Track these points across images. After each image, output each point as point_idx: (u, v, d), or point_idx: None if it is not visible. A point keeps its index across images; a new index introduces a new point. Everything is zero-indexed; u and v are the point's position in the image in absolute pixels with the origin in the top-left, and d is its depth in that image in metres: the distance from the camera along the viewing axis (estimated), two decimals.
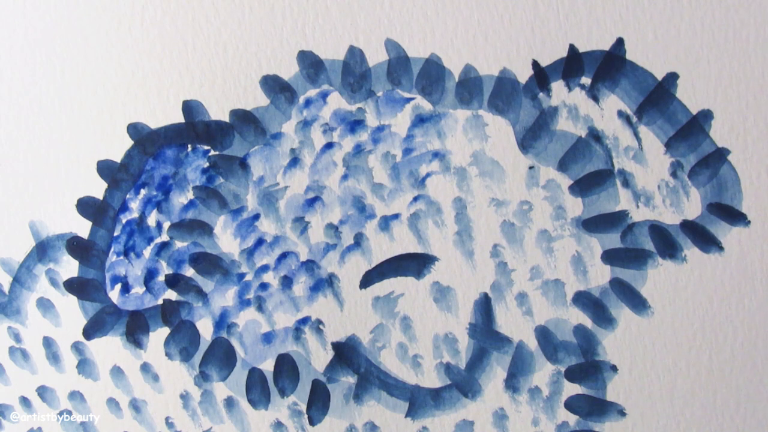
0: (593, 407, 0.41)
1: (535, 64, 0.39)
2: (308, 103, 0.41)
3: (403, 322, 0.41)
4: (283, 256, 0.41)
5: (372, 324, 0.41)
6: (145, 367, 0.42)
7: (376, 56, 0.40)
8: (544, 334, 0.41)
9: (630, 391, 0.40)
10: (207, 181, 0.41)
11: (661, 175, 0.39)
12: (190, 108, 0.41)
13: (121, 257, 0.42)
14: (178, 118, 0.41)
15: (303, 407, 0.42)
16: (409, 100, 0.40)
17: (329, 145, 0.41)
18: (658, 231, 0.40)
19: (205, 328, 0.42)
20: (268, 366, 0.42)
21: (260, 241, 0.41)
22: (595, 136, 0.39)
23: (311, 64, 0.40)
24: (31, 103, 0.42)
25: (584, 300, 0.40)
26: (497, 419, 0.41)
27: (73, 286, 0.42)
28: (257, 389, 0.42)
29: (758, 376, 0.40)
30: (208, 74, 0.41)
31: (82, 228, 0.42)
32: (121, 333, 0.42)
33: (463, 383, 0.41)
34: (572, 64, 0.39)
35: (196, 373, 0.42)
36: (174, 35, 0.41)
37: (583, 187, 0.40)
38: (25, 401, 0.44)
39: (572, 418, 0.41)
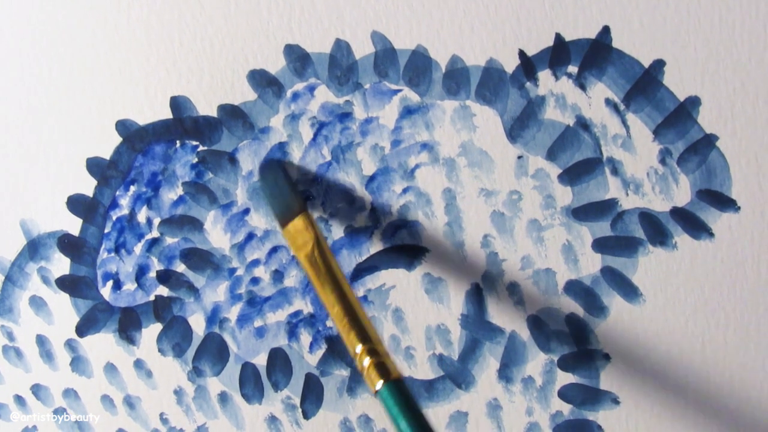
0: (587, 396, 0.41)
1: (522, 54, 0.39)
2: (296, 96, 0.41)
3: (394, 314, 0.41)
4: (274, 250, 0.41)
5: None
6: (139, 364, 0.42)
7: (362, 49, 0.40)
8: (536, 324, 0.41)
9: (623, 379, 0.40)
10: (196, 176, 0.41)
11: (650, 163, 0.39)
12: (177, 104, 0.41)
13: (112, 254, 0.42)
14: (166, 114, 0.41)
15: (297, 401, 0.42)
16: (396, 91, 0.40)
17: (317, 138, 0.41)
18: (648, 218, 0.40)
19: (198, 324, 0.42)
20: (261, 360, 0.42)
21: (250, 236, 0.41)
22: (583, 124, 0.39)
23: (298, 58, 0.40)
24: (20, 102, 0.42)
25: (576, 289, 0.40)
26: (491, 410, 0.41)
27: (65, 283, 0.42)
28: (251, 384, 0.42)
29: (751, 362, 0.40)
30: (195, 70, 0.41)
31: (73, 225, 0.42)
32: (113, 330, 0.42)
33: (456, 374, 0.41)
34: (559, 53, 0.39)
35: (189, 368, 0.42)
36: (160, 32, 0.41)
37: (572, 175, 0.40)
38: (19, 399, 0.44)
39: (566, 407, 0.41)
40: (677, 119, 0.39)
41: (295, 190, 0.38)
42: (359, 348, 0.34)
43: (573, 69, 0.39)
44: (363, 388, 0.41)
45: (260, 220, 0.41)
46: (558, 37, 0.39)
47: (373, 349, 0.34)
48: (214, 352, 0.42)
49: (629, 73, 0.39)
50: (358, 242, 0.41)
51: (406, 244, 0.41)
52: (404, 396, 0.32)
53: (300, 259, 0.37)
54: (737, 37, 0.38)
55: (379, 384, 0.33)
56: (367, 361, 0.34)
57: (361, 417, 0.42)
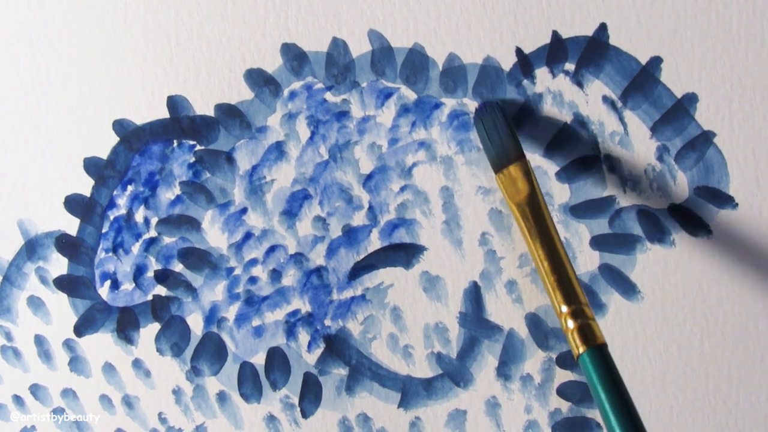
0: (586, 393, 0.40)
1: (519, 52, 0.39)
2: (293, 95, 0.41)
3: (393, 313, 0.41)
4: (272, 249, 0.41)
5: (362, 315, 0.41)
6: (137, 363, 0.42)
7: (359, 47, 0.40)
8: (534, 322, 0.41)
9: (622, 376, 0.40)
10: (193, 176, 0.41)
11: (647, 160, 0.39)
12: (174, 103, 0.41)
13: (110, 254, 0.42)
14: (163, 113, 0.41)
15: (295, 400, 0.42)
16: (393, 90, 0.40)
17: (314, 137, 0.41)
18: (646, 216, 0.40)
19: (196, 323, 0.42)
20: (259, 360, 0.42)
21: (248, 235, 0.41)
22: (581, 122, 0.39)
23: (295, 57, 0.40)
24: (17, 102, 0.42)
25: None
26: (489, 407, 0.41)
27: (63, 283, 0.42)
28: (249, 383, 0.42)
29: (749, 359, 0.40)
30: (192, 69, 0.41)
31: (71, 225, 0.42)
32: (111, 329, 0.42)
33: (454, 372, 0.41)
34: (556, 51, 0.39)
35: (187, 368, 0.42)
36: (157, 31, 0.41)
37: (569, 173, 0.40)
38: (18, 400, 0.44)
39: (565, 405, 0.41)
40: (675, 116, 0.39)
41: (514, 135, 0.37)
42: (564, 308, 0.34)
43: (570, 66, 0.39)
44: (361, 386, 0.41)
45: (258, 219, 0.41)
46: (555, 35, 0.39)
47: (580, 309, 0.34)
48: (212, 351, 0.42)
49: (626, 70, 0.39)
50: (356, 241, 0.41)
51: (404, 243, 0.41)
52: (606, 364, 0.32)
53: (511, 208, 0.36)
54: (734, 34, 0.38)
55: (582, 348, 0.33)
56: (571, 323, 0.33)
57: (359, 416, 0.42)
